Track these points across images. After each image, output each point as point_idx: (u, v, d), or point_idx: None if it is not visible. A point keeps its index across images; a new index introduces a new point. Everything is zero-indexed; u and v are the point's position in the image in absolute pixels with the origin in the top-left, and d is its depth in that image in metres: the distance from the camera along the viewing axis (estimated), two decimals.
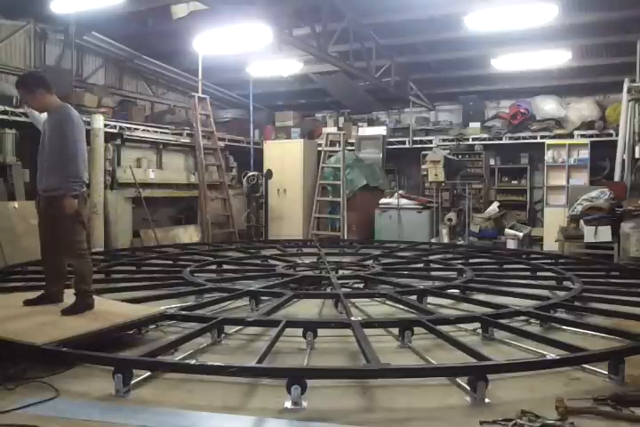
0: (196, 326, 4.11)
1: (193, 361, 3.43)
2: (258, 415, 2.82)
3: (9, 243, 7.28)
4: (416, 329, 4.00)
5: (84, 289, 4.22)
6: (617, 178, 9.25)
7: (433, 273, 6.83)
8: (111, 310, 4.25)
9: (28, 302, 4.27)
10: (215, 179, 11.05)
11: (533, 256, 8.21)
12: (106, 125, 8.88)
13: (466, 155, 11.50)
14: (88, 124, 8.63)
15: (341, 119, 13.11)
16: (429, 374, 3.28)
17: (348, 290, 5.65)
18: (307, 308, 5.17)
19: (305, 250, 8.84)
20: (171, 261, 7.41)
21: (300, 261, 7.31)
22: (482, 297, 5.34)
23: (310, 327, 3.98)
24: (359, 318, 4.15)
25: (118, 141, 9.25)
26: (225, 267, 7.09)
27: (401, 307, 5.08)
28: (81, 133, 4.32)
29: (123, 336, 4.02)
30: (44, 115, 4.56)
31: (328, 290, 5.67)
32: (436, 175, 10.14)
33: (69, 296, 4.28)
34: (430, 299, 5.24)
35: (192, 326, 4.19)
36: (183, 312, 4.40)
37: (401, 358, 3.71)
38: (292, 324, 4.01)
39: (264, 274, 6.38)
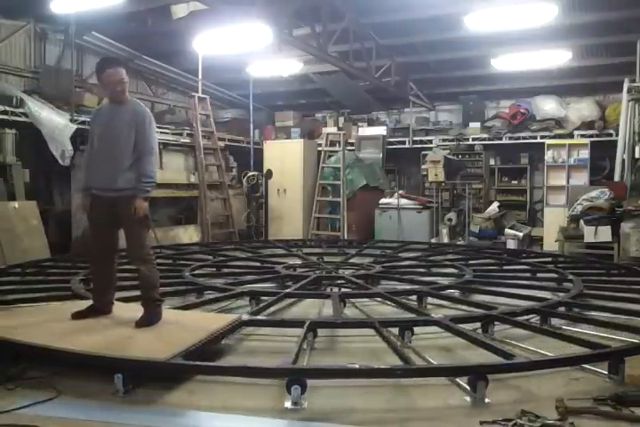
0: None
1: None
2: (258, 415, 2.82)
3: (9, 243, 7.28)
4: (416, 329, 3.99)
5: (155, 297, 3.93)
6: (617, 178, 9.24)
7: (434, 271, 6.93)
8: (179, 318, 4.01)
9: (77, 315, 3.94)
10: (215, 179, 11.05)
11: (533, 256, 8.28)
12: None
13: (466, 155, 11.49)
14: (88, 124, 8.64)
15: (341, 119, 13.10)
16: (429, 374, 3.28)
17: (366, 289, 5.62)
18: (306, 308, 5.19)
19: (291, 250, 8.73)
20: (171, 261, 7.32)
21: (292, 262, 7.21)
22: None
23: (406, 327, 3.97)
24: (441, 316, 4.21)
25: None
26: (225, 269, 6.98)
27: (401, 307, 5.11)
28: (155, 131, 4.04)
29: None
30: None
31: (328, 290, 5.68)
32: (436, 175, 10.14)
33: (119, 308, 4.11)
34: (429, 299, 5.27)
35: None
36: (260, 317, 4.23)
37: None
38: (387, 324, 4.01)
39: (271, 276, 6.16)
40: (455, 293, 5.56)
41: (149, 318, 3.83)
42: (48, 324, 3.80)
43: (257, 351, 3.88)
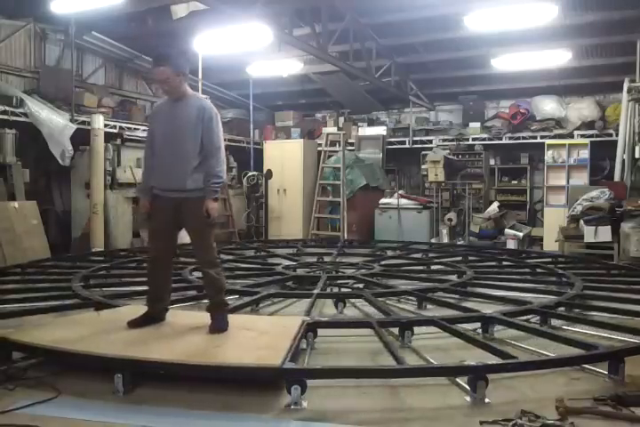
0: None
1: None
2: (258, 415, 2.82)
3: (9, 243, 7.28)
4: (416, 329, 4.00)
5: (224, 301, 3.86)
6: (617, 178, 9.24)
7: (434, 269, 7.00)
8: (242, 323, 3.88)
9: (132, 324, 3.77)
10: None
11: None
12: (106, 125, 8.87)
13: (466, 155, 11.49)
14: (88, 124, 8.65)
15: (341, 119, 13.09)
16: (429, 374, 3.27)
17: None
18: (304, 307, 5.18)
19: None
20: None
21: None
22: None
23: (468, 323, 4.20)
24: (491, 312, 4.33)
25: (118, 141, 9.25)
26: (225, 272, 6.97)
27: (400, 306, 5.12)
28: (221, 128, 3.84)
29: None
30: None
31: (328, 290, 5.68)
32: (436, 175, 10.13)
33: (169, 314, 3.99)
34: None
35: None
36: (325, 319, 4.22)
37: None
38: (451, 321, 4.05)
39: (282, 277, 6.07)
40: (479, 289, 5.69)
41: (220, 324, 3.72)
42: (106, 334, 3.62)
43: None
